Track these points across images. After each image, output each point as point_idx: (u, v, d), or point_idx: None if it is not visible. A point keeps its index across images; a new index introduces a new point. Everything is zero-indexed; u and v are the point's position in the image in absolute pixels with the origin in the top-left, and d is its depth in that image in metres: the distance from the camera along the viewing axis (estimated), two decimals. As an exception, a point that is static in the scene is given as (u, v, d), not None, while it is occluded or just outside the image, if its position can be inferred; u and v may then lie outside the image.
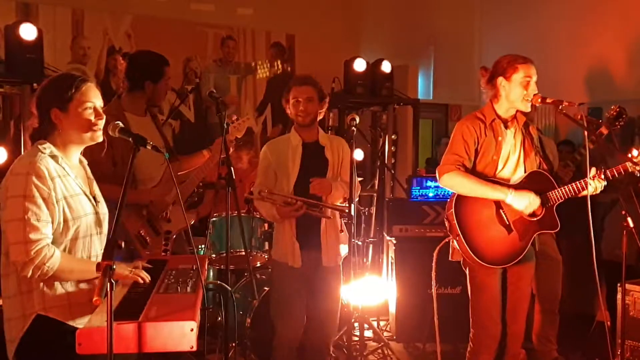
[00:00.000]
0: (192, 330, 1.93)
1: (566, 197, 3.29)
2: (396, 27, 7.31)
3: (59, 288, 2.28)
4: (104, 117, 2.43)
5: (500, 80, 3.27)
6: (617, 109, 3.81)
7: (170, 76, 3.65)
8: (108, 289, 1.76)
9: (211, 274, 4.77)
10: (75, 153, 2.44)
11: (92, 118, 2.38)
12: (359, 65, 5.59)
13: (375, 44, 7.15)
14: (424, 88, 7.26)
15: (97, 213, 2.43)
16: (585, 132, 3.17)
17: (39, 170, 2.21)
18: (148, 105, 3.62)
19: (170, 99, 5.99)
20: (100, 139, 2.44)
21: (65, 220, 2.28)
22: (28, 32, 4.34)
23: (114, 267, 1.80)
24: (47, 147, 2.32)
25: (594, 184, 3.23)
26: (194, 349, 1.92)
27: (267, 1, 6.77)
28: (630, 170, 3.23)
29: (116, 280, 2.34)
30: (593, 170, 3.24)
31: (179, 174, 3.62)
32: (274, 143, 3.72)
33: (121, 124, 2.40)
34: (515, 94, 3.25)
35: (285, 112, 3.69)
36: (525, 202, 3.23)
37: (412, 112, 6.10)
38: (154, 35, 6.04)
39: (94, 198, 2.45)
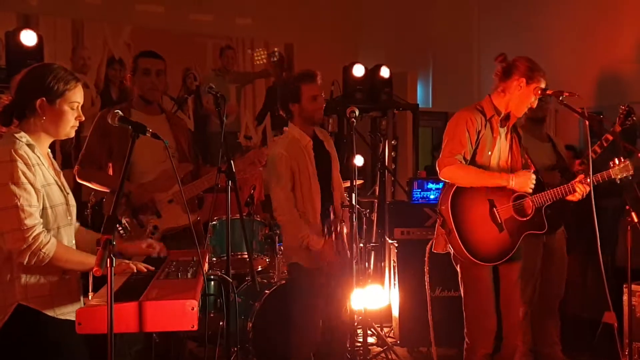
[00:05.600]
0: (193, 309, 1.91)
1: (553, 199, 3.37)
2: (394, 35, 7.35)
3: (42, 278, 2.25)
4: (84, 118, 2.43)
5: (522, 81, 3.28)
6: (627, 108, 3.81)
7: (150, 69, 3.58)
8: (108, 264, 1.74)
9: (212, 285, 4.66)
10: (46, 143, 2.42)
11: (74, 117, 2.38)
12: (358, 70, 5.60)
13: (373, 53, 7.18)
14: (423, 97, 7.27)
15: (67, 204, 2.41)
16: (587, 122, 3.17)
17: (22, 157, 2.20)
18: (146, 102, 3.62)
19: (169, 106, 6.00)
20: (72, 135, 2.43)
21: (45, 208, 2.27)
22: (28, 38, 4.39)
23: (114, 242, 1.78)
24: (23, 136, 2.29)
25: (580, 189, 3.34)
26: (195, 328, 1.89)
27: (266, 11, 6.83)
28: (613, 176, 3.37)
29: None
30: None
31: (197, 181, 3.61)
32: (287, 145, 3.50)
33: (120, 113, 2.40)
34: (524, 98, 3.31)
35: (283, 116, 3.60)
36: (528, 181, 3.28)
37: (412, 118, 6.11)
38: (153, 46, 5.98)
39: (64, 188, 2.43)
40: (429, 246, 3.50)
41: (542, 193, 3.36)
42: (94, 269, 1.76)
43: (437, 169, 3.34)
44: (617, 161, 3.38)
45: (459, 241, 3.24)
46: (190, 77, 5.95)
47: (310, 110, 3.49)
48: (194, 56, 6.51)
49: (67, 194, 2.43)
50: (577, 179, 3.37)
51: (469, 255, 3.25)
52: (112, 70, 6.04)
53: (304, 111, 3.50)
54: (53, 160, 2.49)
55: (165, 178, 3.51)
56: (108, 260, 1.75)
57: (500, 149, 3.38)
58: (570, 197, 3.39)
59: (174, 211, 3.52)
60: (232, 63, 6.74)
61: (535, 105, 3.38)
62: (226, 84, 6.68)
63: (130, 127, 2.35)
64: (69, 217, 2.40)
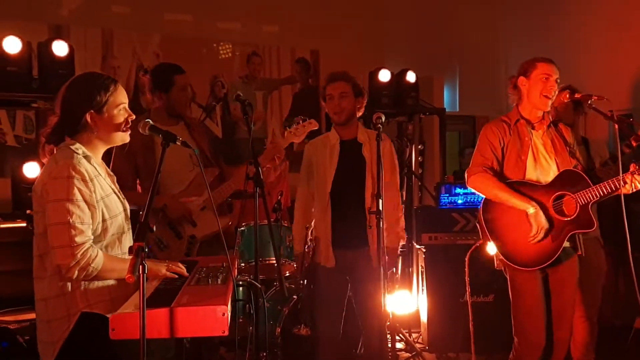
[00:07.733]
0: (223, 314, 1.93)
1: (600, 195, 3.18)
2: (419, 40, 7.33)
3: (100, 284, 2.30)
4: (134, 116, 2.46)
5: (522, 79, 3.29)
6: None
7: (187, 84, 3.66)
8: (140, 271, 1.77)
9: (241, 290, 4.68)
10: (101, 152, 2.45)
11: (125, 118, 2.42)
12: (384, 75, 5.59)
13: (399, 58, 7.17)
14: (449, 101, 7.24)
15: (125, 209, 2.45)
16: (616, 126, 3.12)
17: (80, 173, 2.23)
18: (171, 115, 3.64)
19: (198, 114, 6.07)
20: (128, 139, 2.47)
21: (104, 220, 2.30)
22: (60, 48, 4.48)
23: (146, 248, 1.81)
24: (79, 148, 2.33)
25: (632, 182, 3.14)
26: (226, 333, 1.91)
27: (292, 18, 6.88)
28: None
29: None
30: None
31: (224, 184, 3.63)
32: (314, 142, 3.74)
33: (151, 122, 2.43)
34: (533, 90, 3.26)
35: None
36: (542, 222, 3.15)
37: (439, 122, 6.08)
38: (182, 54, 6.15)
39: (121, 194, 2.47)
40: (467, 257, 3.48)
41: (587, 190, 3.18)
42: (126, 276, 1.79)
43: (465, 178, 3.33)
44: None
45: (495, 247, 3.20)
46: (218, 85, 6.01)
47: (327, 109, 3.62)
48: (221, 64, 6.57)
49: (123, 199, 2.47)
50: (630, 170, 3.14)
51: (507, 261, 3.20)
52: (142, 79, 6.12)
53: (328, 112, 3.64)
54: (106, 167, 2.52)
55: (195, 185, 3.55)
56: (140, 267, 1.78)
57: (537, 152, 3.30)
58: (622, 191, 3.16)
59: (208, 218, 3.56)
60: (258, 70, 6.79)
61: (550, 94, 3.25)
62: (253, 90, 6.74)
63: (160, 135, 2.39)
64: (127, 224, 2.45)
